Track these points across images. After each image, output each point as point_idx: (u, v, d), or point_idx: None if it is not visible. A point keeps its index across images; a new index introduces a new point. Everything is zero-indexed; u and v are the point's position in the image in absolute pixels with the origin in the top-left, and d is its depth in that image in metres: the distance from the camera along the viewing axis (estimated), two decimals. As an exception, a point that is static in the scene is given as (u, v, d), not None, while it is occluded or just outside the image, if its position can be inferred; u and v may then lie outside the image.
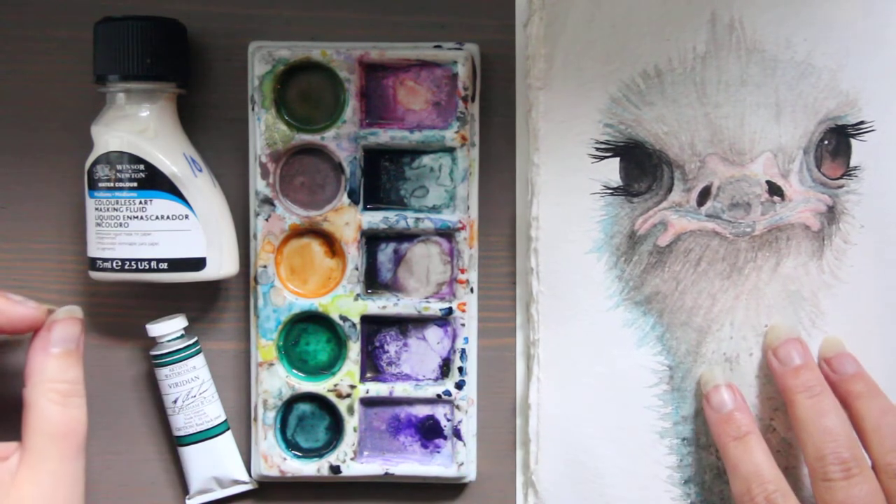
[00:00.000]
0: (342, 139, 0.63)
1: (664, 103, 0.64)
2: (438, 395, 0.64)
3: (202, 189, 0.61)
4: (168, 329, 0.63)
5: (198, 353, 0.64)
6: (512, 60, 0.65)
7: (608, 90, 0.64)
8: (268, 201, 0.63)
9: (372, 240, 0.65)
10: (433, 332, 0.65)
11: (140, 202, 0.60)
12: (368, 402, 0.65)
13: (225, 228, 0.62)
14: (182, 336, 0.64)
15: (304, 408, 0.65)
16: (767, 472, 0.59)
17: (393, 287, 0.65)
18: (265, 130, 0.63)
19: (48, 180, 0.65)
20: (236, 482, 0.65)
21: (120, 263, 0.60)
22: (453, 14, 0.65)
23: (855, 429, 0.60)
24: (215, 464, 0.64)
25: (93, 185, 0.61)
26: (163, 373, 0.63)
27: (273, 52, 0.62)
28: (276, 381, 0.64)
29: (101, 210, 0.61)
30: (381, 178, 0.64)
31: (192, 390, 0.64)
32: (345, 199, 0.63)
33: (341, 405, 0.64)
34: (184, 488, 0.66)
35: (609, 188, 0.64)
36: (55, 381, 0.57)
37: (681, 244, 0.64)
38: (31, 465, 0.56)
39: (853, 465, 0.58)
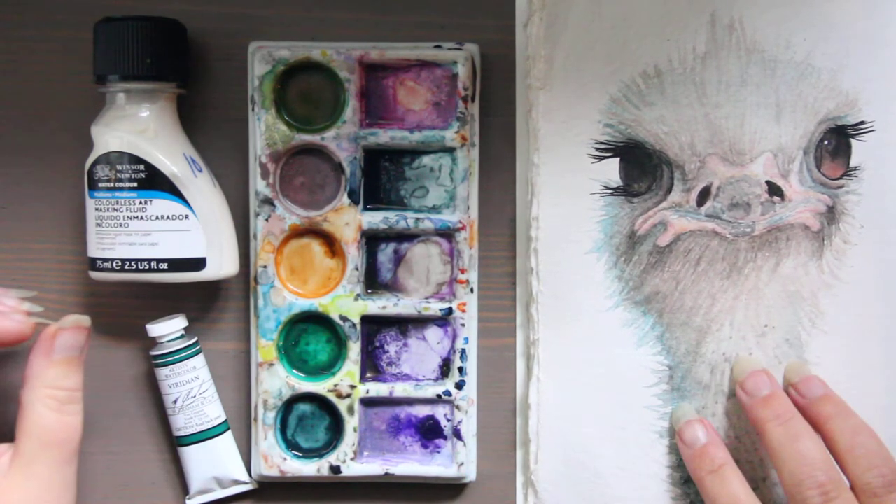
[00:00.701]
0: (342, 139, 0.63)
1: (664, 103, 0.64)
2: (438, 396, 0.64)
3: (202, 189, 0.61)
4: (168, 329, 0.63)
5: (198, 353, 0.64)
6: (512, 60, 0.65)
7: (608, 90, 0.64)
8: (268, 201, 0.63)
9: (372, 240, 0.65)
10: (433, 332, 0.65)
11: (140, 202, 0.60)
12: (368, 403, 0.65)
13: (225, 228, 0.62)
14: (182, 336, 0.64)
15: (304, 408, 0.65)
16: (745, 501, 0.59)
17: (393, 287, 0.65)
18: (265, 130, 0.63)
19: (48, 180, 0.65)
20: (236, 482, 0.65)
21: (120, 263, 0.60)
22: (453, 14, 0.65)
23: (829, 451, 0.59)
24: (215, 464, 0.64)
25: (93, 185, 0.61)
26: (163, 373, 0.63)
27: (273, 52, 0.62)
28: (276, 382, 0.64)
29: (101, 210, 0.61)
30: (381, 178, 0.64)
31: (192, 390, 0.64)
32: (345, 199, 0.63)
33: (341, 405, 0.64)
34: (184, 488, 0.66)
35: (609, 188, 0.64)
36: (54, 387, 0.57)
37: (680, 244, 0.64)
38: (22, 468, 0.56)
39: (831, 487, 0.57)
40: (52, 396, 0.57)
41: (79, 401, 0.58)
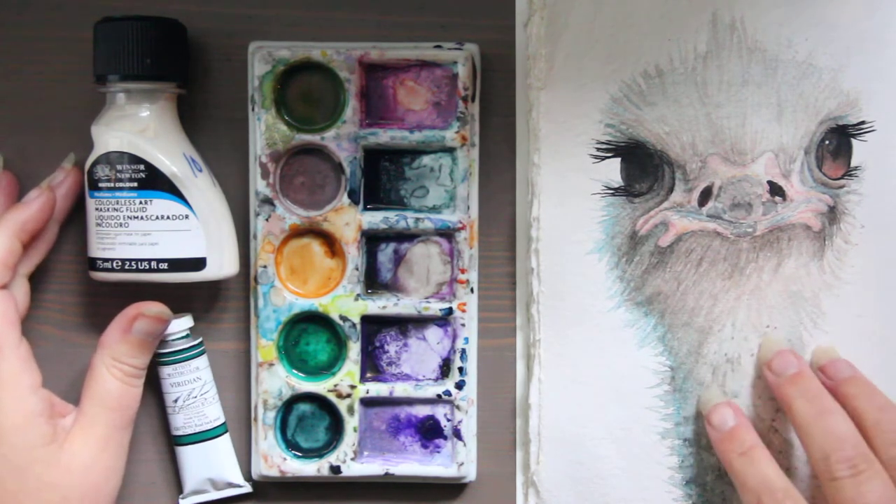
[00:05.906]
0: (342, 139, 0.63)
1: (665, 103, 0.63)
2: (438, 396, 0.64)
3: (202, 189, 0.61)
4: (174, 328, 0.63)
5: (202, 353, 0.64)
6: (512, 60, 0.65)
7: (609, 90, 0.64)
8: (268, 201, 0.63)
9: (372, 240, 0.65)
10: (433, 332, 0.65)
11: (140, 202, 0.60)
12: (368, 402, 0.65)
13: (225, 228, 0.62)
14: (188, 336, 0.64)
15: (304, 408, 0.65)
16: (776, 482, 0.59)
17: (393, 287, 0.65)
18: (265, 130, 0.63)
19: (48, 180, 0.65)
20: (231, 485, 0.65)
21: (120, 263, 0.61)
22: (453, 14, 0.65)
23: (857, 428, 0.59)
24: (211, 465, 0.64)
25: (93, 186, 0.61)
26: (165, 371, 0.63)
27: (273, 52, 0.62)
28: (276, 382, 0.64)
29: (101, 210, 0.61)
30: (381, 178, 0.64)
31: (194, 391, 0.64)
32: (345, 199, 0.63)
33: (341, 405, 0.64)
34: (182, 488, 0.66)
35: (610, 188, 0.64)
36: (122, 361, 0.60)
37: (682, 244, 0.64)
38: (84, 428, 0.60)
39: (860, 461, 0.57)
40: (119, 368, 0.60)
41: (142, 377, 0.62)
